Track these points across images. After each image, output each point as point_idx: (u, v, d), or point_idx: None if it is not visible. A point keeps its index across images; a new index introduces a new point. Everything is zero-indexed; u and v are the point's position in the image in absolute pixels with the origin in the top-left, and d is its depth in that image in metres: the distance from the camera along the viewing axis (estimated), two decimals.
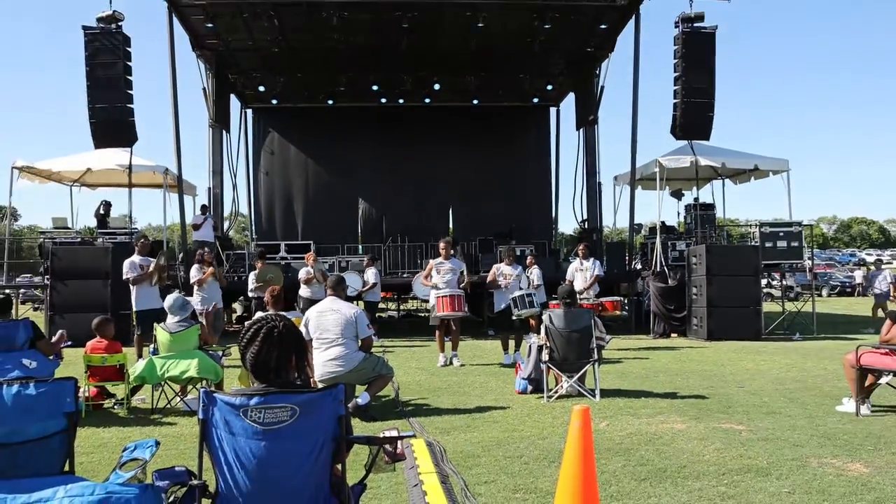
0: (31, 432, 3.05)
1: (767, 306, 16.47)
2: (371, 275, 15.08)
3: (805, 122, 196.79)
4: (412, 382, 9.13)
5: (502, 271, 11.31)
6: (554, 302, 10.57)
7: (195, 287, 11.98)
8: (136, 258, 10.93)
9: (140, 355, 9.71)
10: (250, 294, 13.90)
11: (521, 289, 11.14)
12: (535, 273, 12.75)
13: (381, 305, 24.41)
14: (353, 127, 23.76)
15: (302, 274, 13.71)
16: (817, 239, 78.20)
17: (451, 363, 10.86)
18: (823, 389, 8.27)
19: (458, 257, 12.72)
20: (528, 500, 4.37)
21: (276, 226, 24.10)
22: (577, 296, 10.50)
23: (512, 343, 11.26)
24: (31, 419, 3.04)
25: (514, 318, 10.74)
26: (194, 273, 12.08)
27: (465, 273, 11.35)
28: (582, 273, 12.71)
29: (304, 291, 13.60)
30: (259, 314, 2.88)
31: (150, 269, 10.82)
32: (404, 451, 3.06)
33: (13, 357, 6.42)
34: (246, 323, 3.19)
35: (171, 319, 7.52)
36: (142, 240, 11.54)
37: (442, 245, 11.28)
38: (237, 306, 20.01)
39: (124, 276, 10.83)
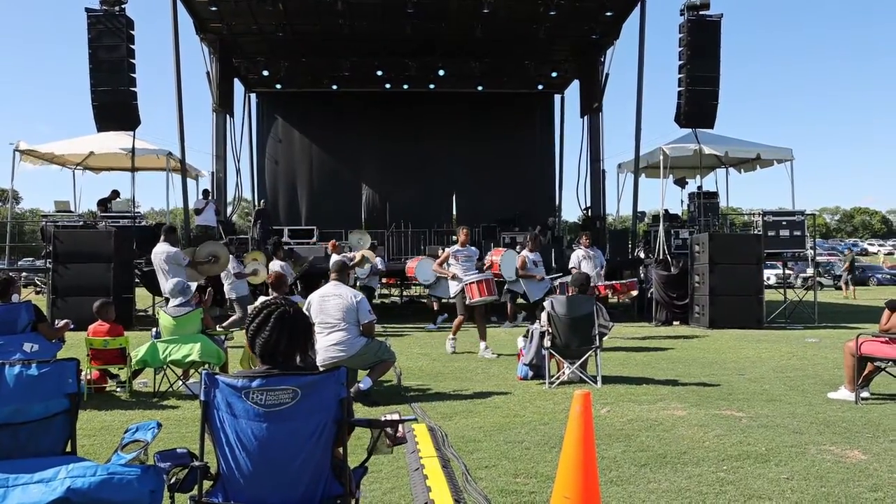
0: (34, 412, 3.06)
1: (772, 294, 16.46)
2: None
3: (809, 113, 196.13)
4: (414, 368, 9.15)
5: (532, 259, 11.18)
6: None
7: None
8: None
9: None
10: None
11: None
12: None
13: (384, 291, 24.41)
14: (356, 112, 23.71)
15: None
16: (820, 229, 78.10)
17: (483, 355, 10.14)
18: (823, 378, 8.28)
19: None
20: (528, 484, 4.39)
21: (279, 211, 24.08)
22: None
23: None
24: (34, 399, 3.05)
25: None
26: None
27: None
28: (588, 261, 12.68)
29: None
30: (263, 298, 2.86)
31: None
32: (405, 435, 3.06)
33: (15, 340, 6.42)
34: (251, 308, 3.18)
35: (172, 303, 7.53)
36: None
37: (463, 232, 10.95)
38: None
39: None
